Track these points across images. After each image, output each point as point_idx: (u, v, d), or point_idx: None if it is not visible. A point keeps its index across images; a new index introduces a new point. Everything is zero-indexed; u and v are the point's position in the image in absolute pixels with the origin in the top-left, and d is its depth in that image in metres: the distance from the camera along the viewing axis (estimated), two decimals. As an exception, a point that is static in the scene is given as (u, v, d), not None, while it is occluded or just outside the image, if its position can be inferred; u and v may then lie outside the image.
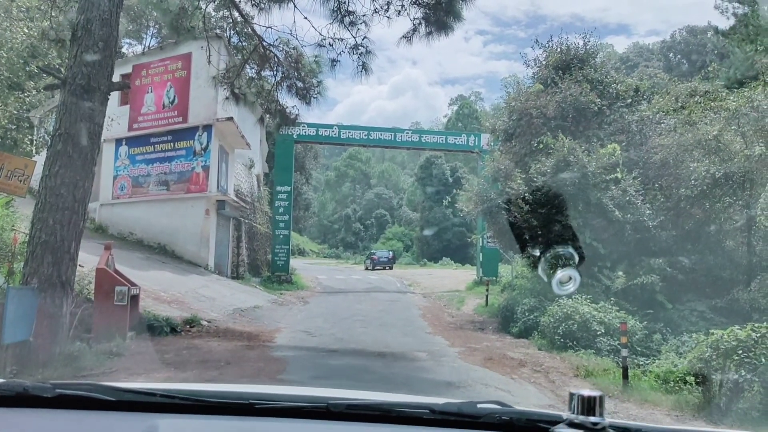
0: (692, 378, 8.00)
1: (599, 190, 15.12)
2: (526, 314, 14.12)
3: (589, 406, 1.38)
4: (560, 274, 11.68)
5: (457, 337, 13.92)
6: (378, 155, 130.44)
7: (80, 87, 9.04)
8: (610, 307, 12.49)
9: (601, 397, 1.40)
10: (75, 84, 9.05)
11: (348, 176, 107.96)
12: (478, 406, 1.58)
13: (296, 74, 15.01)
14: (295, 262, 44.42)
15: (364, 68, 14.15)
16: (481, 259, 27.77)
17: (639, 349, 11.86)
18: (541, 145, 15.88)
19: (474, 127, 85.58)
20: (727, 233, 15.43)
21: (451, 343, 12.82)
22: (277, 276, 26.50)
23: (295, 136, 27.73)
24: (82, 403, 1.57)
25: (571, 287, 11.38)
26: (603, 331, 11.72)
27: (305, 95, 15.09)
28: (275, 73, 15.10)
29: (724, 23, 35.66)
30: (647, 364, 11.31)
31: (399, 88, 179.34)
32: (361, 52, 14.06)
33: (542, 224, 15.52)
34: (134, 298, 12.18)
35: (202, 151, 21.61)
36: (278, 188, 27.33)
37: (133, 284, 12.29)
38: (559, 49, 18.23)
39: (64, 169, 8.86)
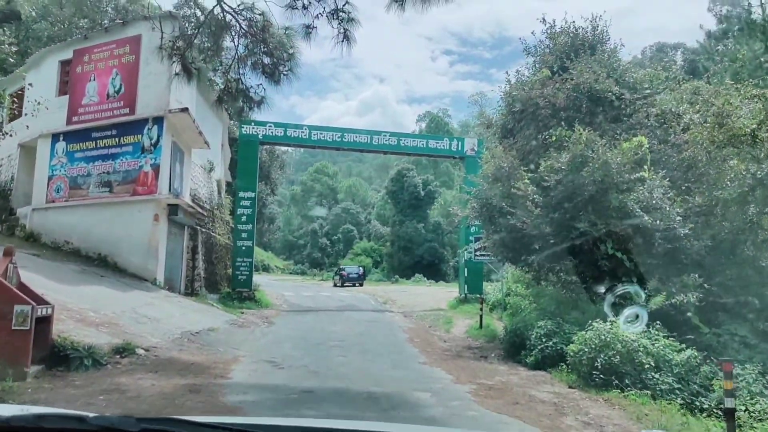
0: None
1: (622, 191, 12.71)
2: (543, 340, 11.54)
3: None
4: (628, 312, 9.54)
5: (459, 368, 11.25)
6: (344, 171, 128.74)
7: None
8: (655, 333, 9.98)
9: None
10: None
11: (314, 191, 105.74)
12: None
13: (262, 46, 12.33)
14: (259, 278, 41.27)
15: (346, 38, 11.52)
16: (466, 274, 25.15)
17: (693, 386, 9.37)
18: (554, 138, 13.43)
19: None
20: (770, 244, 13.19)
21: (456, 378, 10.15)
22: (237, 292, 23.55)
23: (260, 137, 24.97)
24: None
25: (639, 326, 9.23)
26: (652, 364, 9.18)
27: (273, 72, 12.39)
28: (237, 44, 12.39)
29: (709, 29, 34.23)
30: (709, 404, 8.84)
31: (368, 104, 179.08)
32: (343, 18, 11.47)
33: (556, 231, 13.04)
34: (44, 321, 9.27)
35: (152, 147, 18.66)
36: (241, 194, 24.45)
37: (42, 302, 9.39)
38: (565, 33, 15.92)
39: None
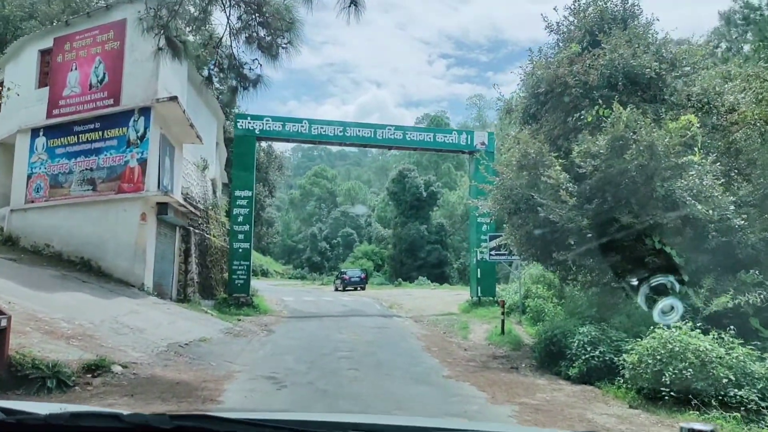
0: None
1: (666, 178, 11.14)
2: (587, 349, 9.93)
3: None
4: (663, 303, 8.78)
5: (491, 383, 9.64)
6: (343, 174, 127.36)
7: None
8: (730, 340, 8.38)
9: None
10: None
11: (313, 195, 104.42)
12: None
13: (257, 16, 10.76)
14: (257, 283, 39.67)
15: (354, 2, 9.96)
16: (478, 275, 23.53)
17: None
18: (589, 118, 11.87)
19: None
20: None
21: (491, 396, 8.55)
22: (234, 298, 21.94)
23: (257, 132, 23.37)
24: None
25: (675, 316, 8.47)
26: (732, 378, 7.58)
27: (270, 45, 10.81)
28: (228, 14, 10.81)
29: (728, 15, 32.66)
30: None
31: (366, 109, 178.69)
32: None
33: (593, 224, 11.45)
34: (-2, 335, 7.70)
35: (138, 141, 17.07)
36: (237, 193, 22.83)
37: (-5, 312, 7.81)
38: (593, 5, 14.35)
39: None
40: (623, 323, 10.58)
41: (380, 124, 24.62)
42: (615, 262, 11.59)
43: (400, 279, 53.14)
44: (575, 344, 10.19)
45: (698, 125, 12.49)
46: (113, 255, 16.65)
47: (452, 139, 25.01)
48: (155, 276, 17.25)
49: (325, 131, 23.90)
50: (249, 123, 23.28)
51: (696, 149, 11.25)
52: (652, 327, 8.93)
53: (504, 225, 15.18)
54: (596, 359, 9.61)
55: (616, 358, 9.21)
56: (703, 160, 11.31)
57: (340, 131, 24.03)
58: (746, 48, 26.82)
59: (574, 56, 13.36)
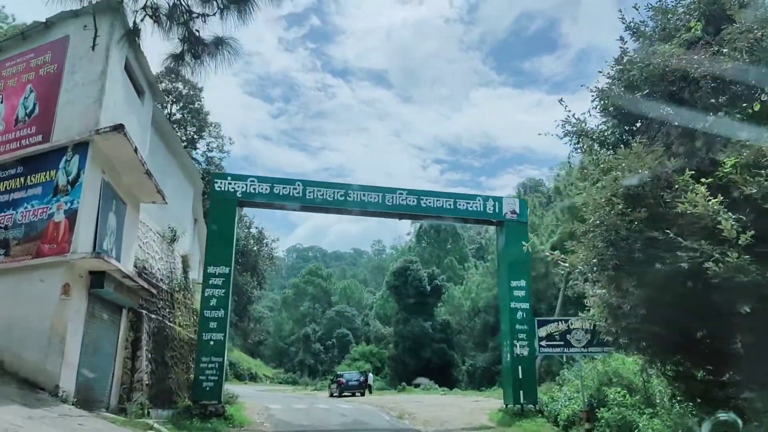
0: None
1: None
2: None
3: None
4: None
5: None
6: (339, 273, 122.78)
7: None
8: None
9: None
10: None
11: (307, 294, 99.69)
12: None
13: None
14: (242, 389, 34.13)
15: None
16: (519, 375, 18.28)
17: None
18: (757, 107, 7.44)
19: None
20: None
21: None
22: (201, 406, 16.68)
23: (238, 195, 18.91)
24: None
25: None
26: None
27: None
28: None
29: None
30: None
31: None
32: None
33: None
34: None
35: (69, 187, 12.51)
36: (211, 269, 18.01)
37: None
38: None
39: None
40: None
41: (390, 187, 20.26)
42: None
43: (403, 383, 47.13)
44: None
45: None
46: (19, 344, 11.62)
47: (476, 207, 20.57)
48: (80, 376, 12.16)
49: (322, 195, 19.48)
50: (229, 184, 18.89)
51: None
52: None
53: (586, 296, 10.38)
54: None
55: None
56: None
57: (341, 195, 19.64)
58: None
59: (694, 41, 9.13)
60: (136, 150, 13.19)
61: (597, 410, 13.63)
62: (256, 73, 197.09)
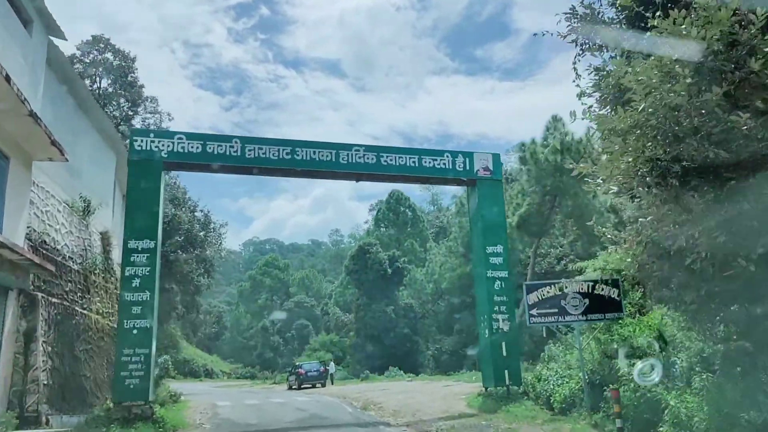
0: None
1: None
2: None
3: None
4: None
5: None
6: (297, 264, 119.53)
7: None
8: None
9: None
10: None
11: (264, 286, 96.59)
12: None
13: None
14: (194, 386, 30.84)
15: None
16: (504, 353, 15.75)
17: None
18: None
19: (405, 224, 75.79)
20: None
21: None
22: (124, 409, 13.67)
23: (164, 155, 15.82)
24: None
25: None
26: None
27: None
28: None
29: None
30: None
31: (320, 202, 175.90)
32: None
33: None
34: None
35: None
36: (132, 244, 14.91)
37: None
38: None
39: None
40: None
41: (345, 143, 17.47)
42: None
43: (366, 372, 44.57)
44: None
45: None
46: None
47: (444, 164, 17.91)
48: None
49: (265, 153, 16.55)
50: (152, 142, 15.78)
51: None
52: None
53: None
54: None
55: None
56: None
57: (287, 153, 16.74)
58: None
59: None
60: (8, 79, 10.06)
61: (604, 389, 11.23)
62: (206, 65, 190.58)
